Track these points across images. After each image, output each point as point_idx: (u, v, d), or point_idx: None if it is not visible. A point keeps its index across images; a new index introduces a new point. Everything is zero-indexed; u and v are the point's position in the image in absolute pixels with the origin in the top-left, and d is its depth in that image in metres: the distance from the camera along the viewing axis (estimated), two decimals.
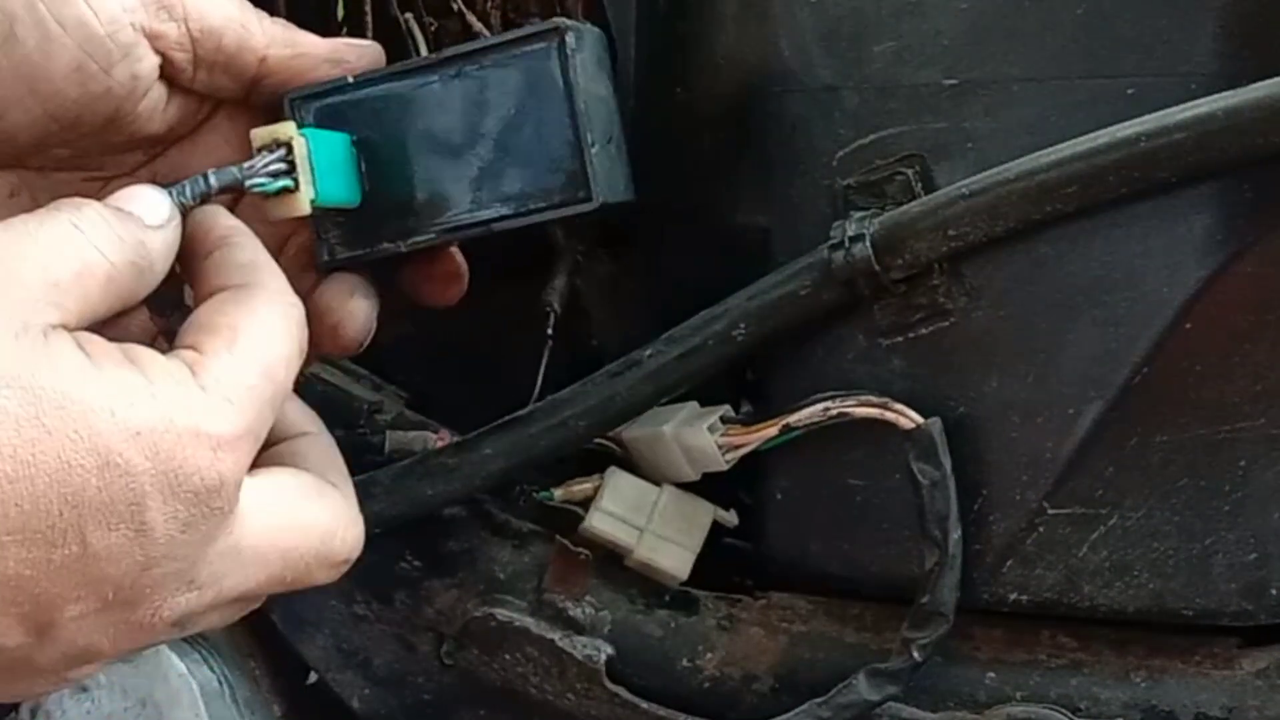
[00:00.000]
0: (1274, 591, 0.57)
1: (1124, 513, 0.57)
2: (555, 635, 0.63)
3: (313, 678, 0.70)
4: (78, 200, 0.42)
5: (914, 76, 0.57)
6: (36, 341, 0.37)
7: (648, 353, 0.61)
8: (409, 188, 0.54)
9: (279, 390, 0.42)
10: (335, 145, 0.53)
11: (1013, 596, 0.59)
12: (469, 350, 0.71)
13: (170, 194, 0.45)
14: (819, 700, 0.59)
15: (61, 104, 0.46)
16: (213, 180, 0.48)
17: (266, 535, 0.41)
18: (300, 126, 0.51)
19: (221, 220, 0.46)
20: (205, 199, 0.47)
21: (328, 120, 0.53)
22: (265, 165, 0.50)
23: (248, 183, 0.49)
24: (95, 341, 0.39)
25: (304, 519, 0.43)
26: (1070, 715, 0.58)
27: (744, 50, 0.60)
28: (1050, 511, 0.57)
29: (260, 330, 0.42)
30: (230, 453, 0.39)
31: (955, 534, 0.57)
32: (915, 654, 0.58)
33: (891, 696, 0.59)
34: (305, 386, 0.66)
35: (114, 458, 0.36)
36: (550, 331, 0.66)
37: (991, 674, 0.60)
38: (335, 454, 0.49)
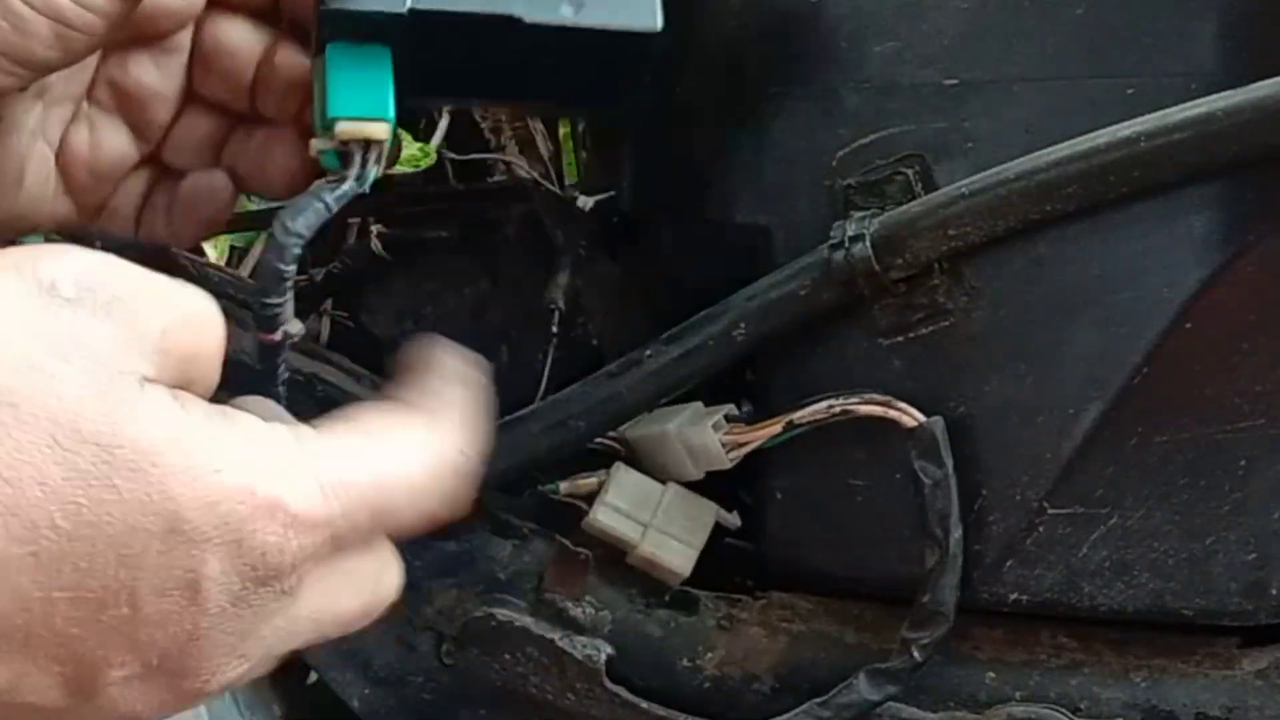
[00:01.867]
0: (1274, 591, 0.57)
1: (1124, 512, 0.57)
2: (555, 635, 0.63)
3: (313, 677, 0.70)
4: None
5: (914, 76, 0.57)
6: (129, 389, 0.34)
7: (648, 353, 0.61)
8: None
9: (384, 509, 0.38)
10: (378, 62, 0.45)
11: (1013, 596, 0.59)
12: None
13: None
14: (819, 700, 0.59)
15: None
16: (332, 204, 0.44)
17: (322, 606, 0.38)
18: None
19: (447, 355, 0.43)
20: (327, 225, 0.43)
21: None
22: (366, 162, 0.44)
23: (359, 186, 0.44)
24: (188, 397, 0.36)
25: (356, 577, 0.40)
26: (1070, 715, 0.59)
27: (744, 50, 0.60)
28: (1050, 511, 0.57)
29: (398, 447, 0.38)
30: (304, 536, 0.36)
31: (956, 533, 0.57)
32: (915, 654, 0.58)
33: (891, 696, 0.59)
34: (305, 387, 0.66)
35: (182, 525, 0.34)
36: (555, 329, 0.66)
37: (992, 674, 0.60)
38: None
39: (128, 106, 0.50)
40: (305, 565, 0.36)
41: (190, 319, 0.37)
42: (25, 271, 0.35)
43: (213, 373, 0.38)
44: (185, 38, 0.50)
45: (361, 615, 0.40)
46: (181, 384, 0.36)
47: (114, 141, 0.50)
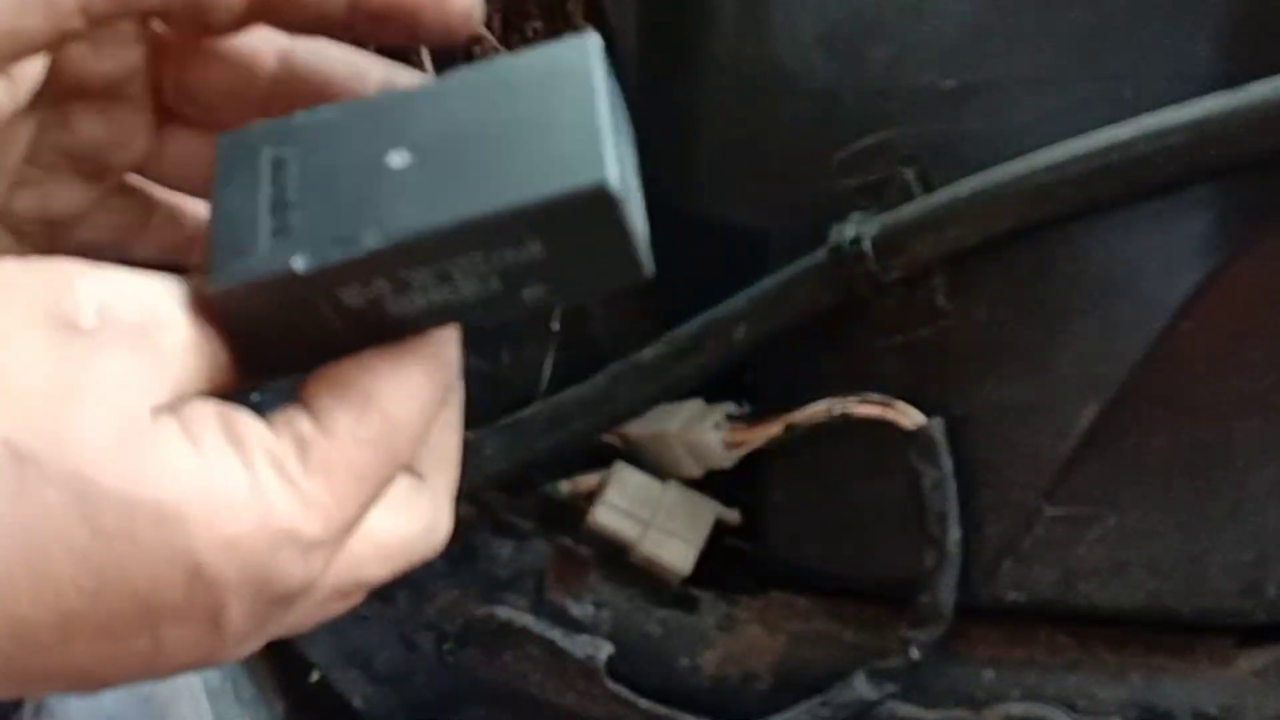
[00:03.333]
0: (1271, 591, 0.57)
1: (1122, 512, 0.57)
2: (556, 634, 0.64)
3: (315, 676, 0.70)
4: None
5: (913, 78, 0.57)
6: (144, 432, 0.34)
7: (647, 353, 0.61)
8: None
9: (398, 463, 0.38)
10: None
11: (1011, 596, 0.59)
12: (468, 350, 0.71)
13: None
14: (818, 699, 0.59)
15: None
16: None
17: (345, 575, 0.38)
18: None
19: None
20: None
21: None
22: None
23: None
24: (197, 414, 0.35)
25: (386, 545, 0.39)
26: (1068, 714, 0.59)
27: (744, 50, 0.60)
28: (1048, 511, 0.57)
29: (398, 400, 0.37)
30: (323, 553, 0.36)
31: (955, 533, 0.57)
32: (914, 653, 0.58)
33: (890, 695, 0.59)
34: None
35: (204, 570, 0.34)
36: (557, 326, 0.66)
37: (990, 673, 0.60)
38: (443, 431, 0.41)
39: (80, 162, 0.43)
40: (324, 571, 0.37)
41: (201, 338, 0.36)
42: (46, 303, 0.34)
43: (236, 369, 0.37)
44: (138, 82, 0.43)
45: (394, 574, 0.40)
46: (207, 387, 0.36)
47: (69, 197, 0.44)
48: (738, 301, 0.59)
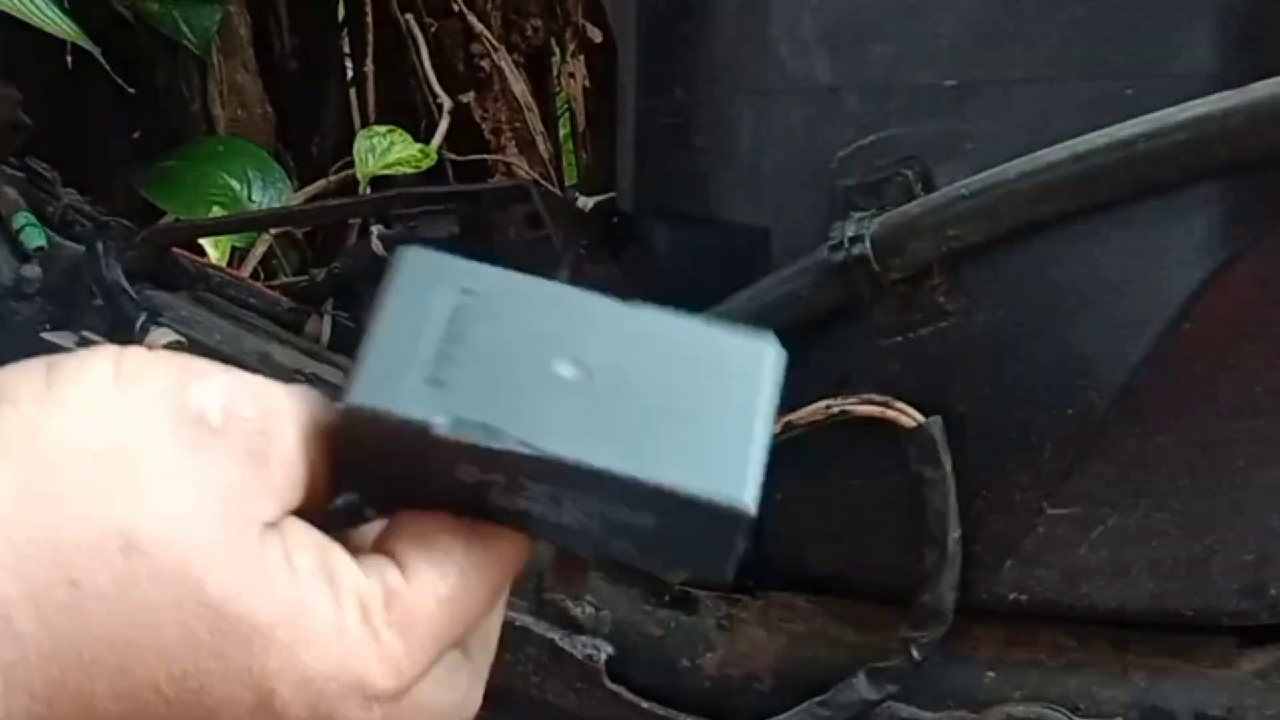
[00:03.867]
0: (1272, 591, 0.57)
1: (1123, 513, 0.57)
2: (556, 635, 0.63)
3: None
4: None
5: (914, 78, 0.57)
6: (252, 544, 0.34)
7: None
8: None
9: (469, 630, 0.38)
10: None
11: (1012, 596, 0.59)
12: None
13: None
14: (819, 699, 0.59)
15: None
16: None
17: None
18: None
19: None
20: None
21: None
22: None
23: None
24: (298, 540, 0.35)
25: (433, 712, 0.39)
26: (1070, 715, 0.59)
27: (744, 50, 0.60)
28: (1050, 511, 0.57)
29: (480, 571, 0.38)
30: (387, 706, 0.36)
31: (954, 533, 0.57)
32: (914, 653, 0.58)
33: (891, 695, 0.59)
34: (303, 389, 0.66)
35: (275, 700, 0.34)
36: None
37: (991, 673, 0.60)
38: (493, 617, 0.42)
39: None
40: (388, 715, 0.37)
41: (312, 455, 0.36)
42: (175, 399, 0.34)
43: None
44: None
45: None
46: (303, 499, 0.36)
47: None
48: (737, 302, 0.59)
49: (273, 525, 0.35)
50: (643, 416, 0.37)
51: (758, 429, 0.38)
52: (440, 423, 0.35)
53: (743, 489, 0.37)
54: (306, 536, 0.36)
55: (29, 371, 0.34)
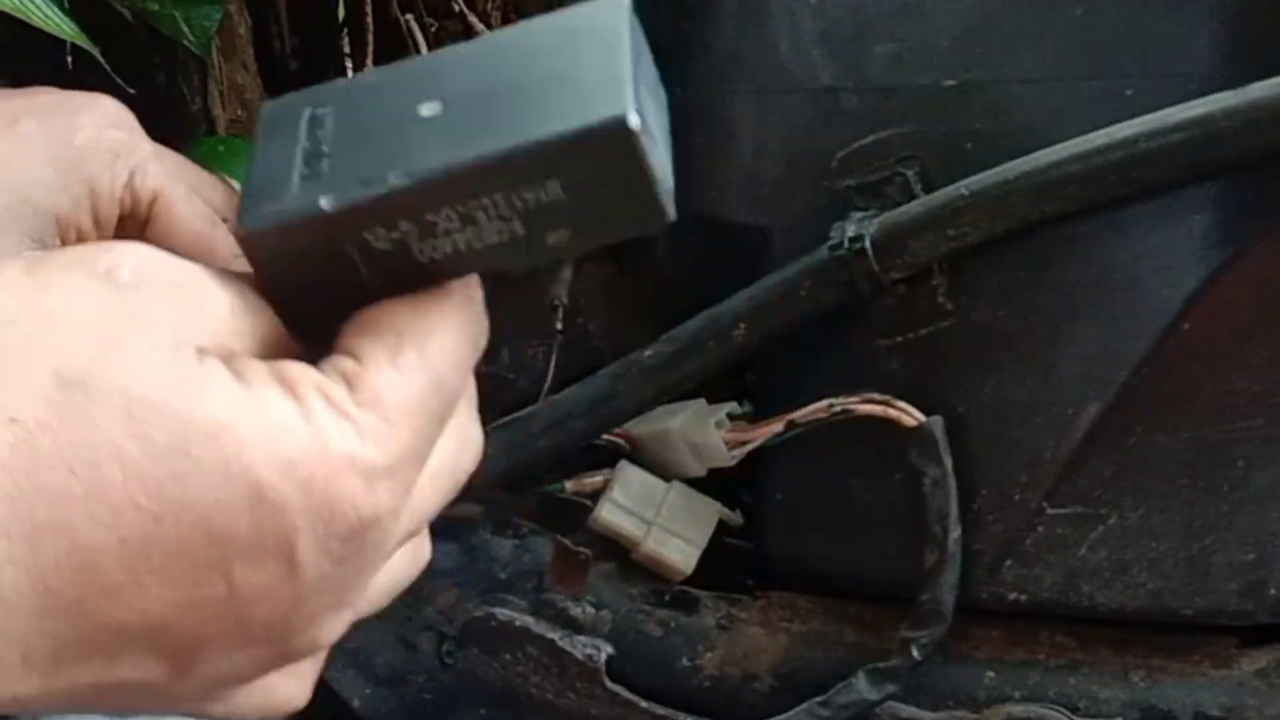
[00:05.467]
0: (1273, 591, 0.57)
1: (1123, 512, 0.57)
2: (555, 635, 0.63)
3: None
4: None
5: (914, 77, 0.57)
6: (189, 363, 0.34)
7: (647, 353, 0.61)
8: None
9: (448, 400, 0.38)
10: None
11: (1012, 596, 0.59)
12: None
13: None
14: (819, 699, 0.59)
15: None
16: None
17: (413, 510, 0.38)
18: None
19: None
20: None
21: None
22: None
23: None
24: (244, 361, 0.35)
25: (433, 471, 0.39)
26: (1069, 715, 0.59)
27: (744, 50, 0.60)
28: (1049, 511, 0.57)
29: (430, 334, 0.37)
30: (387, 483, 0.35)
31: (955, 532, 0.57)
32: (915, 653, 0.58)
33: (891, 695, 0.59)
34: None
35: (267, 491, 0.33)
36: (559, 326, 0.66)
37: (991, 673, 0.60)
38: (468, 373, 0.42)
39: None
40: (397, 507, 0.36)
41: (241, 305, 0.36)
42: (86, 263, 0.35)
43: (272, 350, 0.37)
44: None
45: (446, 499, 0.40)
46: (259, 351, 0.36)
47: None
48: (738, 301, 0.59)
49: (212, 352, 0.35)
50: (512, 105, 0.37)
51: (624, 62, 0.37)
52: (325, 201, 0.36)
53: (619, 105, 0.36)
54: (253, 361, 0.36)
55: None
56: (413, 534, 0.39)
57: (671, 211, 0.38)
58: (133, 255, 0.35)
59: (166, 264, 0.36)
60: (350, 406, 0.35)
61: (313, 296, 0.38)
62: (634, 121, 0.35)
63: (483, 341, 0.40)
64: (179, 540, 0.33)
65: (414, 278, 0.37)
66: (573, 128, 0.35)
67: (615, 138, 0.35)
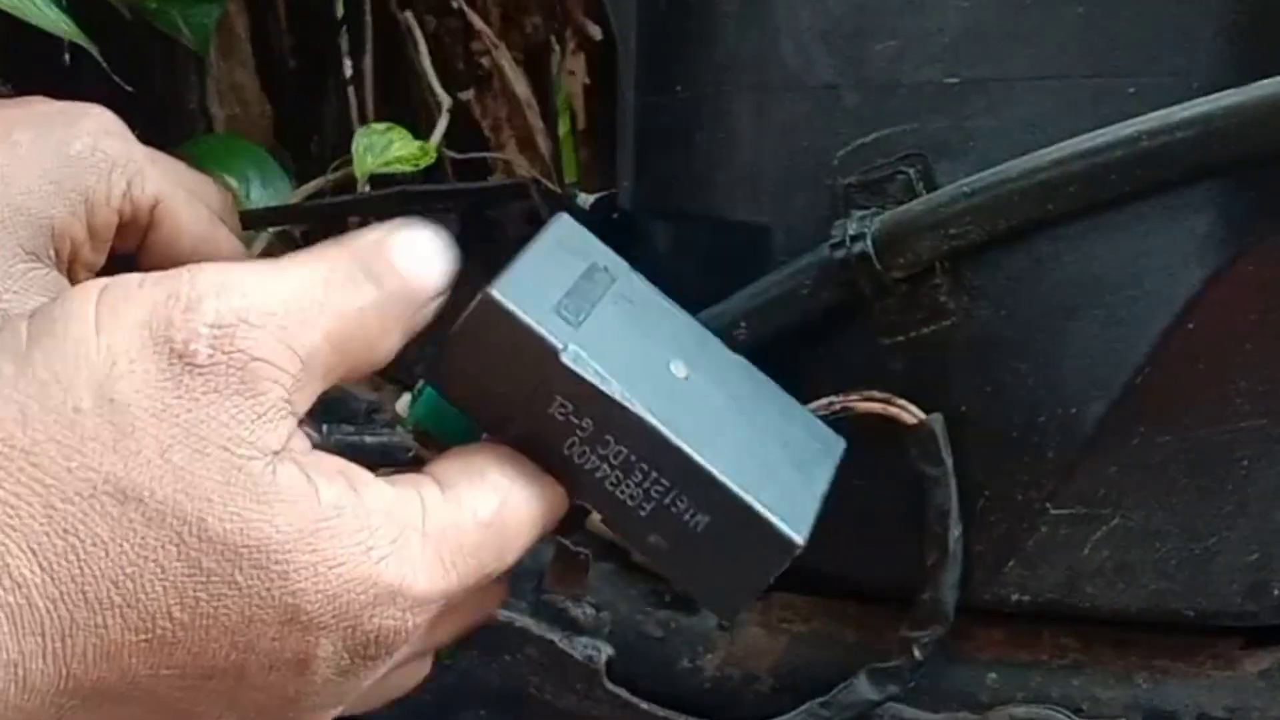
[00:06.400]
0: (1277, 592, 0.57)
1: (1126, 513, 0.57)
2: (555, 636, 0.63)
3: None
4: (341, 243, 0.37)
5: (915, 75, 0.56)
6: (260, 479, 0.34)
7: None
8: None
9: (502, 567, 0.39)
10: None
11: (1014, 596, 0.58)
12: None
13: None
14: (820, 700, 0.59)
15: None
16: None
17: (426, 648, 0.40)
18: None
19: None
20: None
21: None
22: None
23: None
24: (319, 462, 0.35)
25: (463, 619, 0.42)
26: (1072, 716, 0.58)
27: (744, 48, 0.60)
28: (1052, 511, 0.57)
29: (521, 501, 0.38)
30: (419, 614, 0.36)
31: (956, 531, 0.57)
32: (916, 653, 0.58)
33: (893, 696, 0.59)
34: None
35: (300, 616, 0.34)
36: None
37: (993, 674, 0.60)
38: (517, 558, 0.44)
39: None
40: (420, 631, 0.37)
41: (338, 333, 0.36)
42: (158, 335, 0.34)
43: (366, 360, 0.37)
44: None
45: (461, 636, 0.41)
46: (329, 381, 0.36)
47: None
48: (738, 301, 0.59)
49: (281, 451, 0.34)
50: (734, 430, 0.39)
51: (820, 488, 0.42)
52: (567, 351, 0.36)
53: (802, 525, 0.39)
54: (327, 461, 0.36)
55: (11, 328, 0.34)
56: (421, 656, 0.40)
57: (736, 616, 0.42)
58: (209, 323, 0.34)
59: (248, 329, 0.34)
60: (415, 536, 0.36)
61: (471, 394, 0.38)
62: (800, 545, 0.41)
63: (549, 527, 0.41)
64: (203, 645, 0.34)
65: (546, 458, 0.38)
66: (763, 508, 0.39)
67: (779, 545, 0.40)
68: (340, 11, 0.99)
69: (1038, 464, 0.57)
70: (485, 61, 1.01)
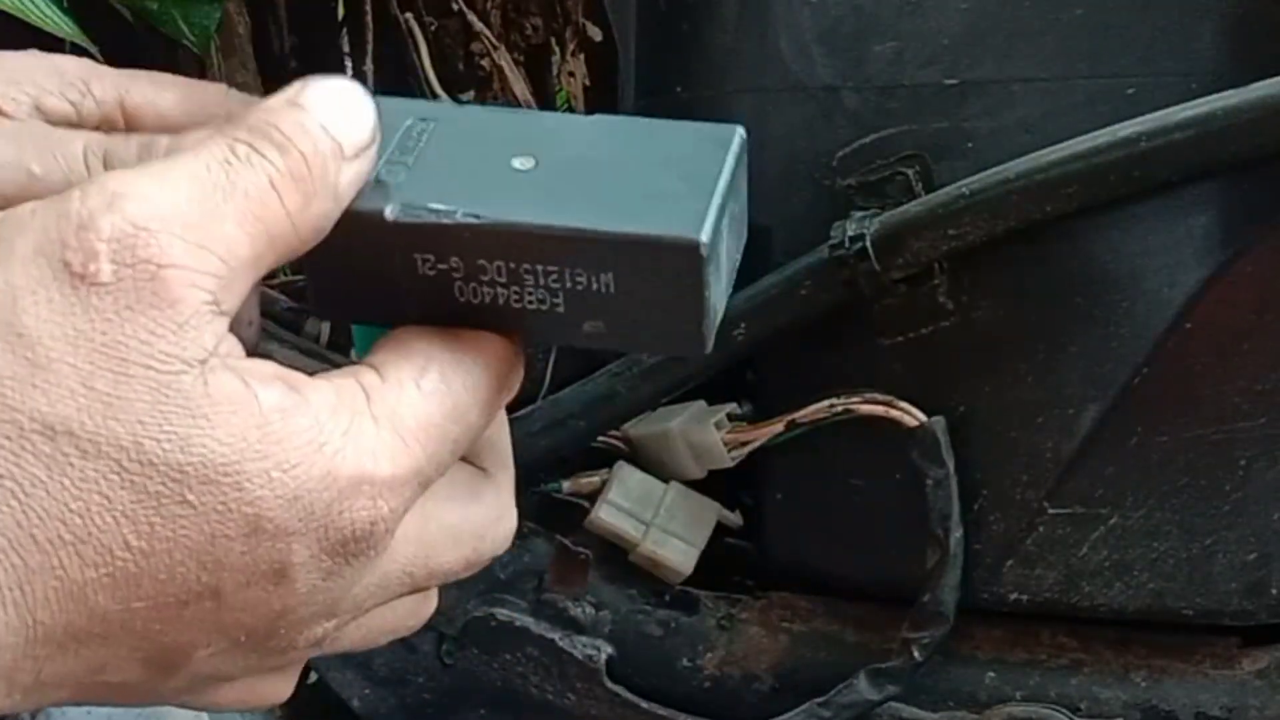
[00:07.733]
0: (1274, 591, 0.57)
1: (1124, 512, 0.57)
2: (555, 635, 0.63)
3: (313, 677, 0.70)
4: (237, 119, 0.34)
5: (914, 76, 0.56)
6: (193, 393, 0.32)
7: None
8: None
9: (468, 434, 0.37)
10: None
11: (1013, 596, 0.59)
12: None
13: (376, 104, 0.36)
14: (819, 700, 0.59)
15: None
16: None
17: (416, 558, 0.37)
18: None
19: None
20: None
21: None
22: None
23: None
24: (256, 367, 0.33)
25: (457, 530, 0.39)
26: (1070, 715, 0.58)
27: (744, 49, 0.60)
28: (1051, 511, 0.57)
29: (458, 365, 0.36)
30: (391, 498, 0.34)
31: (957, 533, 0.57)
32: (916, 653, 0.58)
33: (892, 696, 0.59)
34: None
35: (264, 523, 0.33)
36: None
37: (992, 674, 0.60)
38: (500, 430, 0.41)
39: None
40: (395, 522, 0.35)
41: (252, 215, 0.34)
42: (54, 261, 0.32)
43: (271, 265, 0.34)
44: None
45: (462, 566, 0.39)
46: (260, 268, 0.34)
47: None
48: (738, 301, 0.59)
49: (210, 359, 0.33)
50: (596, 185, 0.37)
51: (718, 188, 0.37)
52: (390, 209, 0.35)
53: (695, 224, 0.36)
54: (262, 365, 0.34)
55: None
56: (422, 588, 0.39)
57: (710, 345, 0.38)
58: (108, 240, 0.32)
59: (151, 238, 0.32)
60: (364, 418, 0.34)
61: (352, 294, 0.38)
62: (705, 246, 0.35)
63: (514, 384, 0.39)
64: (169, 570, 0.32)
65: (451, 314, 0.37)
66: (646, 231, 0.35)
67: (682, 255, 0.35)
68: (340, 12, 0.99)
69: (1036, 464, 0.57)
70: (485, 62, 1.01)
